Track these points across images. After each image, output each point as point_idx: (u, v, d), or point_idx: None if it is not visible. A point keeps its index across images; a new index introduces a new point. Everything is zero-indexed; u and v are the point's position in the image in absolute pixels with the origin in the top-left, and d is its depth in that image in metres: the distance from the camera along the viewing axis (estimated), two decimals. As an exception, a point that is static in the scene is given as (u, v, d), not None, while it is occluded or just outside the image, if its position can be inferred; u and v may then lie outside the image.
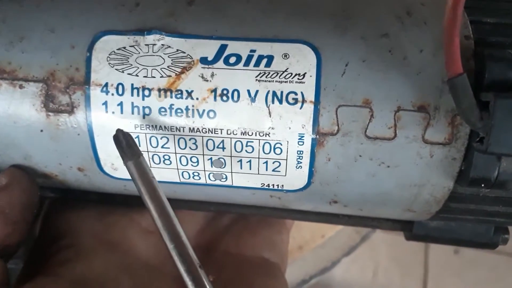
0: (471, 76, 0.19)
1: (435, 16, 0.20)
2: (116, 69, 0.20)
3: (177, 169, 0.21)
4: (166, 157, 0.21)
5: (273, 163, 0.21)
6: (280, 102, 0.20)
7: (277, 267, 0.28)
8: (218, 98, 0.20)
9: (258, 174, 0.21)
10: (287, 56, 0.20)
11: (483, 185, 0.20)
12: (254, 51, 0.20)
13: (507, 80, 0.18)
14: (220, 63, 0.20)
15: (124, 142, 0.19)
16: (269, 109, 0.20)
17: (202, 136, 0.20)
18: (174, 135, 0.20)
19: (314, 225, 0.51)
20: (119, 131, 0.20)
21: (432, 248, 0.86)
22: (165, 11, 0.21)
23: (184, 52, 0.20)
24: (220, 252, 0.28)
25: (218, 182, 0.22)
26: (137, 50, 0.20)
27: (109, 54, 0.20)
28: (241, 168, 0.21)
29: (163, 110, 0.20)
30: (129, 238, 0.27)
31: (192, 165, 0.21)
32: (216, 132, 0.20)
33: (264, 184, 0.22)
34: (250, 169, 0.21)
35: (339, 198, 0.22)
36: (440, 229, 0.25)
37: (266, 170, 0.21)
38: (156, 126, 0.20)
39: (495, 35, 0.20)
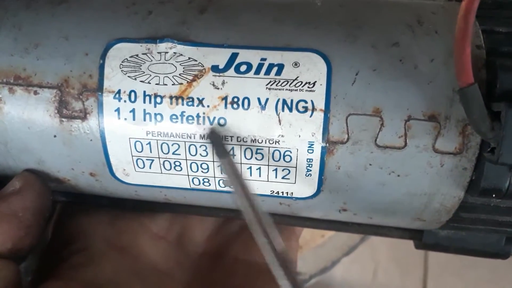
0: (483, 86, 0.19)
1: (446, 25, 0.20)
2: (128, 76, 0.20)
3: (188, 175, 0.22)
4: (177, 163, 0.21)
5: (283, 170, 0.21)
6: (290, 110, 0.20)
7: None
8: (229, 105, 0.20)
9: (268, 181, 0.21)
10: (298, 65, 0.20)
11: (494, 195, 0.20)
12: (264, 59, 0.20)
13: (519, 89, 0.18)
14: (231, 71, 0.20)
15: (216, 141, 0.20)
16: (279, 117, 0.20)
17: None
18: (185, 142, 0.21)
19: None
20: (211, 130, 0.20)
21: None
22: (177, 20, 0.21)
23: (196, 60, 0.20)
24: (229, 258, 0.28)
25: (227, 188, 0.22)
26: (149, 57, 0.20)
27: (122, 62, 0.20)
28: (250, 175, 0.21)
29: (174, 117, 0.20)
30: (140, 243, 0.27)
31: (202, 171, 0.21)
32: (226, 140, 0.20)
33: (273, 192, 0.22)
34: (260, 176, 0.21)
35: (349, 207, 0.22)
36: (450, 238, 0.25)
37: (276, 177, 0.21)
38: (167, 133, 0.20)
39: (507, 45, 0.20)
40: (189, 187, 0.22)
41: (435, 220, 0.22)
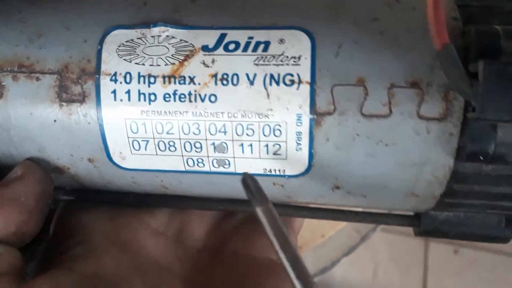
0: (461, 53, 0.20)
1: (423, 2, 0.21)
2: (124, 59, 0.21)
3: (182, 155, 0.22)
4: (171, 143, 0.22)
5: (274, 145, 0.21)
6: (278, 84, 0.21)
7: None
8: (219, 82, 0.21)
9: (260, 158, 0.22)
10: (283, 41, 0.21)
11: (481, 158, 0.20)
12: (251, 38, 0.21)
13: (494, 51, 0.19)
14: (220, 50, 0.21)
15: (253, 186, 0.20)
16: (267, 91, 0.21)
17: (205, 121, 0.21)
18: (178, 120, 0.21)
19: (314, 225, 0.50)
20: (246, 175, 0.21)
21: (432, 248, 0.86)
22: (170, 9, 0.22)
23: (187, 42, 0.21)
24: (229, 253, 0.28)
25: (221, 169, 0.23)
26: (143, 41, 0.22)
27: (118, 46, 0.22)
28: (242, 152, 0.22)
29: (167, 96, 0.21)
30: (139, 238, 0.27)
31: (196, 151, 0.22)
32: (217, 116, 0.21)
33: (266, 170, 0.22)
34: (252, 153, 0.22)
35: (341, 183, 0.23)
36: (449, 222, 0.25)
37: (267, 153, 0.22)
38: (161, 111, 0.21)
39: (481, 15, 0.21)
40: (184, 169, 0.23)
41: (429, 195, 0.22)
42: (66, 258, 0.24)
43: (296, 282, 0.18)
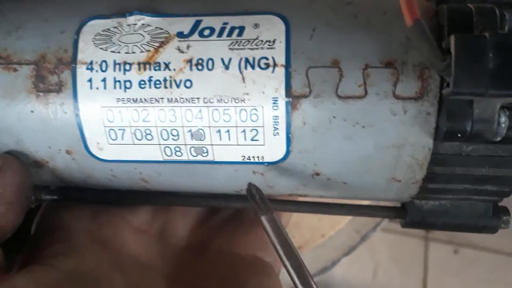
0: (434, 32, 0.20)
1: None
2: (100, 48, 0.22)
3: (159, 144, 0.22)
4: (148, 131, 0.22)
5: (251, 131, 0.21)
6: (253, 67, 0.21)
7: (270, 266, 0.27)
8: (194, 67, 0.21)
9: (238, 145, 0.22)
10: (258, 26, 0.21)
11: (460, 136, 0.19)
12: (226, 23, 0.21)
13: (467, 27, 0.19)
14: (195, 36, 0.21)
15: (257, 196, 0.22)
16: (242, 75, 0.21)
17: (180, 107, 0.21)
18: (154, 107, 0.21)
19: (314, 225, 0.50)
20: (251, 185, 0.22)
21: (432, 248, 0.86)
22: None
23: (162, 29, 0.21)
24: (213, 251, 0.27)
25: (200, 157, 0.22)
26: (119, 30, 0.22)
27: (95, 36, 0.22)
28: (220, 139, 0.22)
29: (142, 82, 0.21)
30: (121, 236, 0.27)
31: (173, 139, 0.22)
32: (193, 102, 0.21)
33: (245, 157, 0.22)
34: (229, 139, 0.22)
35: (321, 169, 0.22)
36: (435, 212, 0.24)
37: (245, 139, 0.22)
38: (136, 99, 0.21)
39: (454, -4, 0.21)
40: (162, 159, 0.23)
41: (410, 180, 0.22)
42: (46, 255, 0.24)
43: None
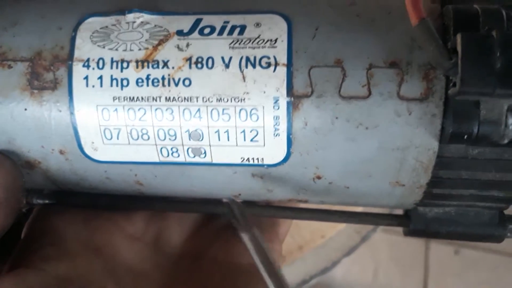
0: (440, 32, 0.20)
1: None
2: (98, 45, 0.21)
3: (156, 144, 0.21)
4: (144, 131, 0.21)
5: (251, 131, 0.21)
6: (254, 66, 0.20)
7: None
8: (193, 66, 0.20)
9: (237, 146, 0.21)
10: (259, 25, 0.21)
11: (466, 138, 0.19)
12: (227, 22, 0.21)
13: (473, 27, 0.19)
14: (195, 34, 0.21)
15: (237, 212, 0.22)
16: (243, 74, 0.20)
17: (179, 105, 0.21)
18: (151, 106, 0.21)
19: (314, 225, 0.50)
20: (231, 200, 0.22)
21: (433, 249, 0.85)
22: None
23: (162, 27, 0.21)
24: (208, 259, 0.27)
25: (197, 159, 0.22)
26: (118, 28, 0.21)
27: (92, 33, 0.21)
28: (219, 139, 0.21)
29: (140, 80, 0.21)
30: (114, 243, 0.26)
31: (170, 139, 0.21)
32: (192, 101, 0.20)
33: (244, 159, 0.21)
34: (228, 140, 0.21)
35: (322, 172, 0.21)
36: (439, 220, 0.24)
37: (244, 140, 0.21)
38: (133, 97, 0.21)
39: (460, -2, 0.21)
40: (158, 160, 0.22)
41: (414, 184, 0.21)
42: (36, 258, 0.23)
43: None
